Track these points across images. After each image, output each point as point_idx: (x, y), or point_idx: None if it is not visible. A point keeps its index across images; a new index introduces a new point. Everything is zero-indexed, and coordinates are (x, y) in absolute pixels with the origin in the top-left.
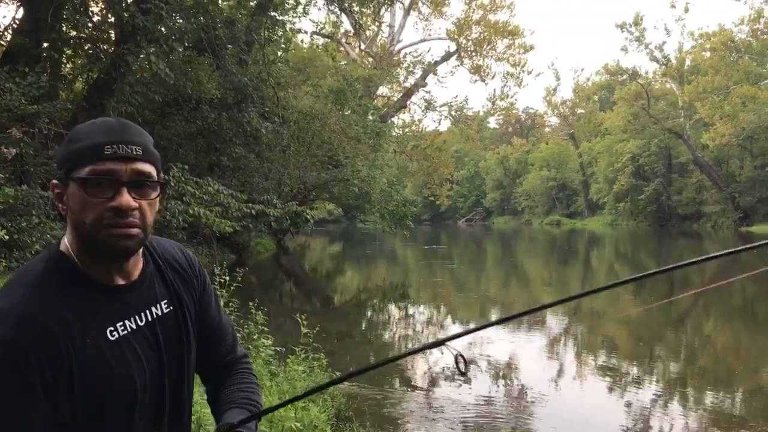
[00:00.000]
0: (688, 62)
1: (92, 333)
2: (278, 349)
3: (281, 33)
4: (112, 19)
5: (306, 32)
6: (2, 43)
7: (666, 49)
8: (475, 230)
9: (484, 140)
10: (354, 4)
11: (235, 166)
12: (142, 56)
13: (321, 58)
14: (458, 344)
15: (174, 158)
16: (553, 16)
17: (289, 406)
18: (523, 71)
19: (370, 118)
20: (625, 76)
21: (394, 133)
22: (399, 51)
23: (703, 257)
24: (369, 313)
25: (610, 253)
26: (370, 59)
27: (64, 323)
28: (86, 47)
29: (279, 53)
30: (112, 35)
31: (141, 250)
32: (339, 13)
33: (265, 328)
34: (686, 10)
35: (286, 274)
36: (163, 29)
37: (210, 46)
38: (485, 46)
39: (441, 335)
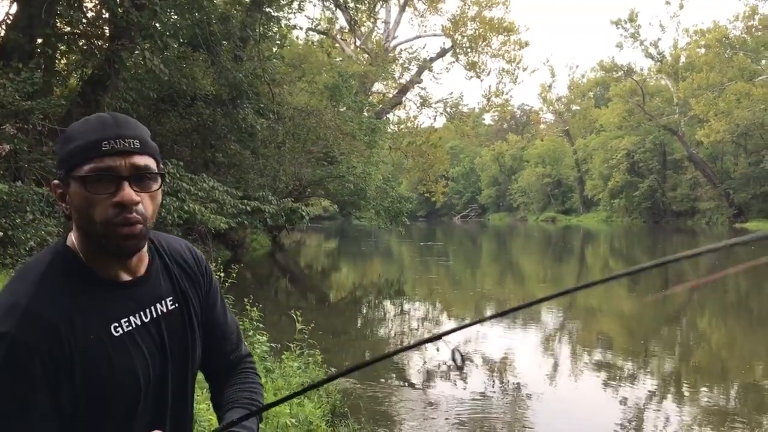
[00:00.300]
0: (682, 59)
1: (96, 329)
2: (273, 345)
3: (276, 29)
4: (107, 15)
5: (301, 28)
6: None
7: (661, 46)
8: (470, 227)
9: (479, 137)
10: (349, 1)
11: (230, 162)
12: (136, 52)
13: (316, 54)
14: (454, 340)
15: (169, 155)
16: (549, 13)
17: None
18: (519, 68)
19: (366, 114)
20: (620, 73)
21: (389, 130)
22: (394, 47)
23: (697, 250)
24: (364, 310)
25: (605, 249)
26: (366, 56)
27: (68, 318)
28: (80, 43)
29: (274, 49)
30: (107, 31)
31: (146, 247)
32: (334, 9)
33: (260, 325)
34: (681, 7)
35: (281, 270)
36: (157, 25)
37: (205, 42)
38: (480, 43)
39: (436, 331)
